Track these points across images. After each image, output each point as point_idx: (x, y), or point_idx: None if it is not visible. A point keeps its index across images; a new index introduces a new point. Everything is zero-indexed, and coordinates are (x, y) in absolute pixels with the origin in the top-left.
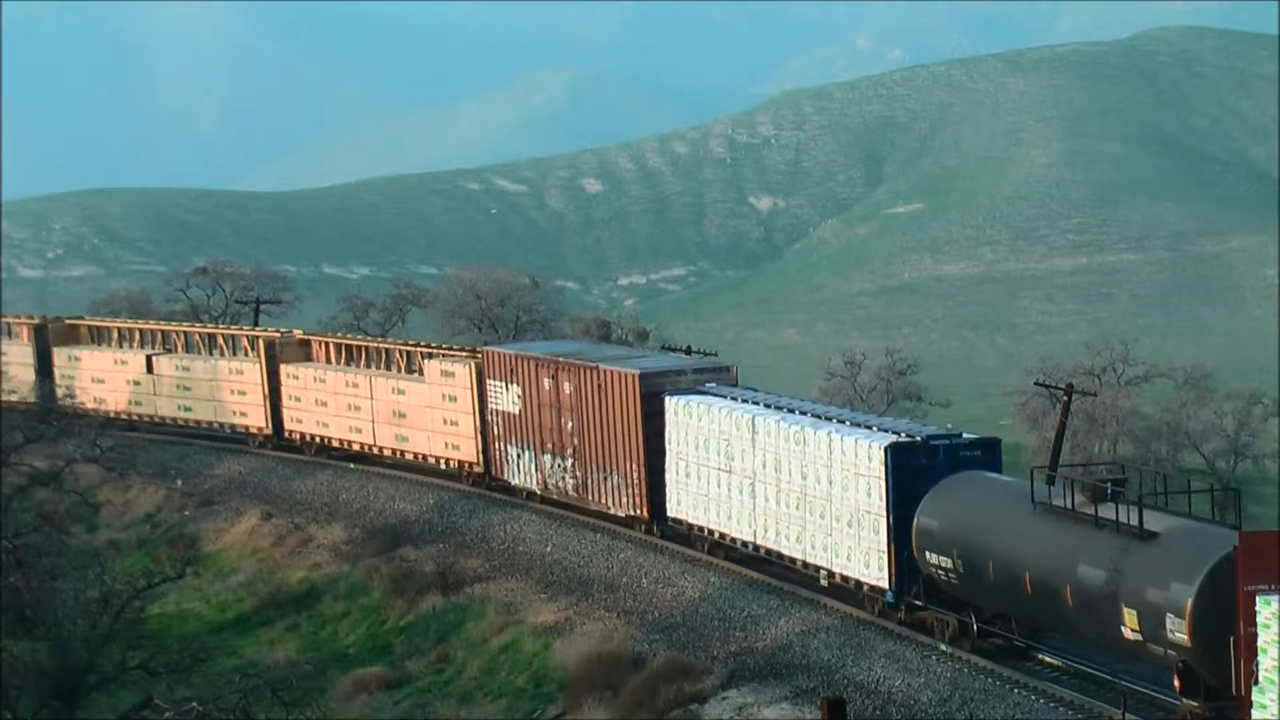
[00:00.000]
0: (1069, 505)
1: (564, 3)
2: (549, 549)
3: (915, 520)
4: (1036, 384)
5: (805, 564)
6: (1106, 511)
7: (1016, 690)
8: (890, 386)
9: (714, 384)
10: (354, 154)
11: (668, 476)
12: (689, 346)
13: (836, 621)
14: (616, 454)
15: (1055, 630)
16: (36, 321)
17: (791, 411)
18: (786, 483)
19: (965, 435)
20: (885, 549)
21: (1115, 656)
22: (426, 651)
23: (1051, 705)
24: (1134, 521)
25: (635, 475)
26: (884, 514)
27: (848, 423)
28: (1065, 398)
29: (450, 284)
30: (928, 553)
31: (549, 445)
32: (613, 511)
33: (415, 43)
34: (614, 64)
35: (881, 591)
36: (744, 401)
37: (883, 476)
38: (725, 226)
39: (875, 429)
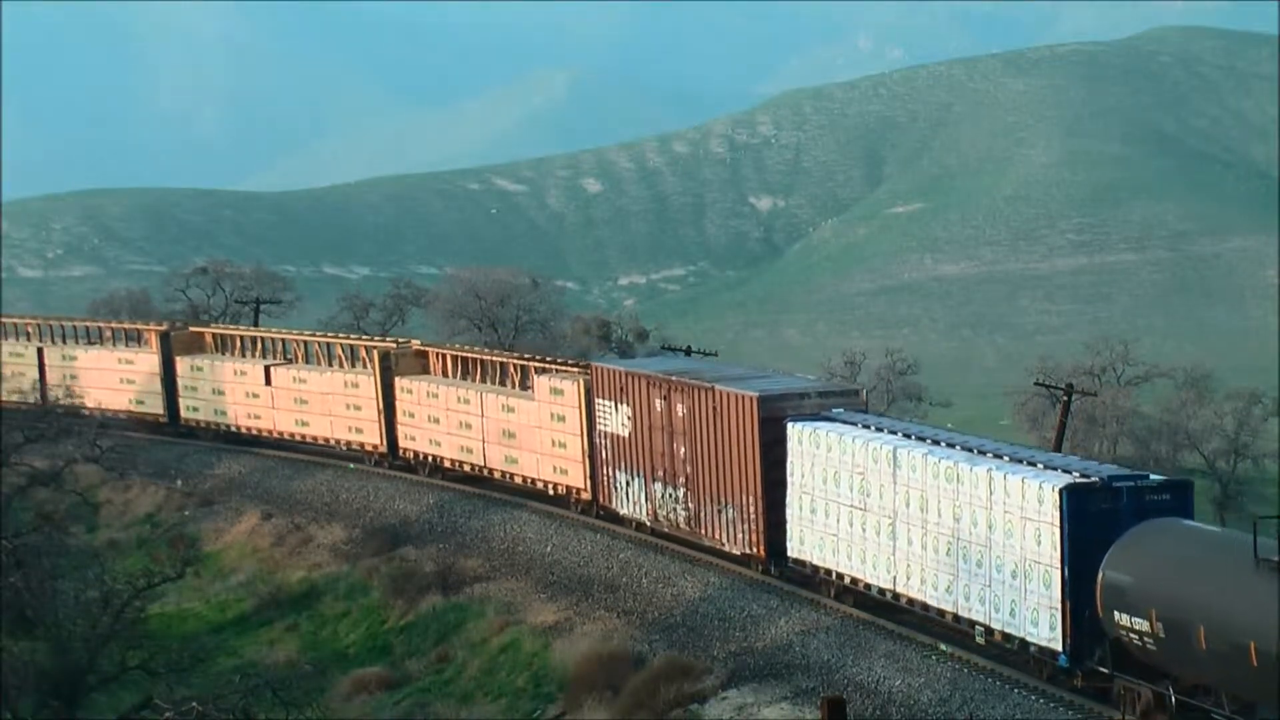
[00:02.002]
0: None
1: (564, 3)
2: (549, 549)
3: (1101, 574)
4: (1036, 384)
5: (957, 618)
6: None
7: (1016, 690)
8: (890, 386)
9: (840, 409)
10: (354, 154)
11: (789, 512)
12: (689, 346)
13: (836, 621)
14: (732, 484)
15: None
16: (163, 328)
17: (938, 443)
18: (935, 525)
19: (1152, 476)
20: (1059, 605)
21: None
22: (426, 651)
23: (1051, 705)
24: None
25: (752, 509)
26: (1058, 565)
27: (1006, 458)
28: (1065, 398)
29: (450, 284)
30: (1117, 613)
31: (660, 472)
32: (727, 548)
33: (415, 43)
34: (614, 64)
35: (1053, 654)
36: (880, 430)
37: (1057, 522)
38: (725, 226)
39: (1041, 466)
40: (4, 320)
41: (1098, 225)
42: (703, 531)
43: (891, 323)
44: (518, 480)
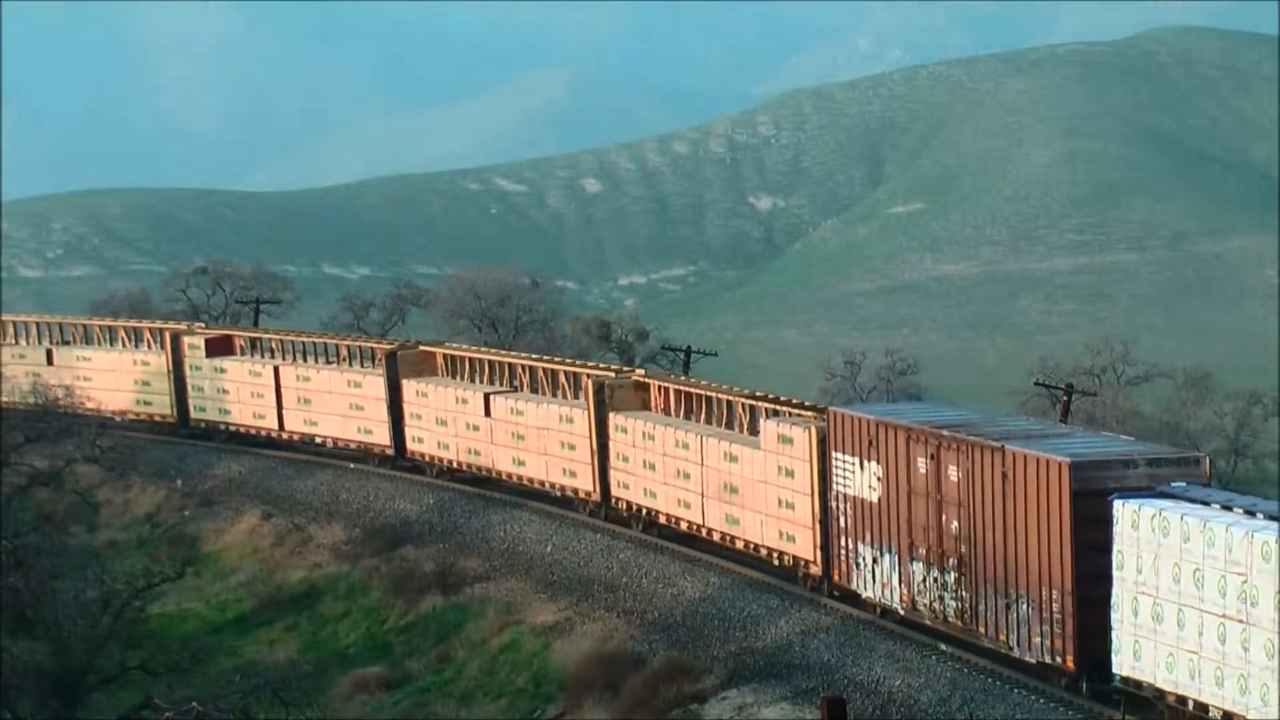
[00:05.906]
0: None
1: (564, 3)
2: (549, 549)
3: None
4: (1036, 384)
5: None
6: None
7: (1016, 690)
8: (890, 386)
9: (1180, 482)
10: (354, 154)
11: (1117, 615)
12: (689, 347)
13: (836, 621)
14: (1028, 573)
15: None
16: (391, 346)
17: None
18: None
19: None
20: None
21: None
22: (426, 651)
23: (1051, 705)
24: None
25: (1057, 606)
26: None
27: None
28: (1065, 398)
29: (450, 284)
30: None
31: (921, 550)
32: (1016, 654)
33: (415, 43)
34: (614, 64)
35: None
36: (1254, 514)
37: None
38: (725, 226)
39: None
40: (244, 334)
41: (1098, 225)
42: (981, 629)
43: (891, 323)
44: (739, 544)
